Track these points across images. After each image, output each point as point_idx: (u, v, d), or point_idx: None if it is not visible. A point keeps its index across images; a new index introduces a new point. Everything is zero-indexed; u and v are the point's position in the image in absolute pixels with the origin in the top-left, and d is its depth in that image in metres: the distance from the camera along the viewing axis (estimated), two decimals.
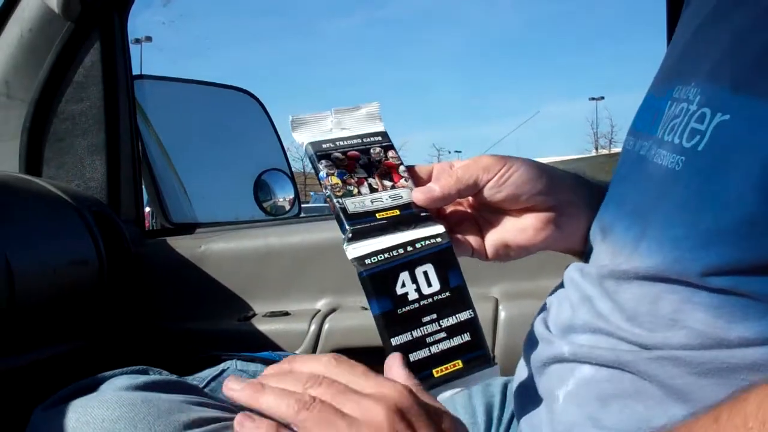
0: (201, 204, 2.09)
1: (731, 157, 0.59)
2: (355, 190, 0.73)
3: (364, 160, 0.76)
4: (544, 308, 0.82)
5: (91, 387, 0.72)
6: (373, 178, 0.75)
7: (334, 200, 0.72)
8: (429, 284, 0.70)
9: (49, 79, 1.53)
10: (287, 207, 2.26)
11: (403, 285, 0.69)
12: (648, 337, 0.63)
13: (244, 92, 2.35)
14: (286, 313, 1.51)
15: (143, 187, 1.73)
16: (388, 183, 0.75)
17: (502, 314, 1.37)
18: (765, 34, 0.60)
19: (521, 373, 0.81)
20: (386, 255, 0.69)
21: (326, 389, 0.58)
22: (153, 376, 0.76)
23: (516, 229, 0.77)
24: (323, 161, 0.74)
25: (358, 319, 1.46)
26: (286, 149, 2.43)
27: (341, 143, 0.76)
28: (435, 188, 0.74)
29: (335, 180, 0.74)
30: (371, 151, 0.77)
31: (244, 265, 1.56)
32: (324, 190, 0.74)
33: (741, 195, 0.57)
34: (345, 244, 0.70)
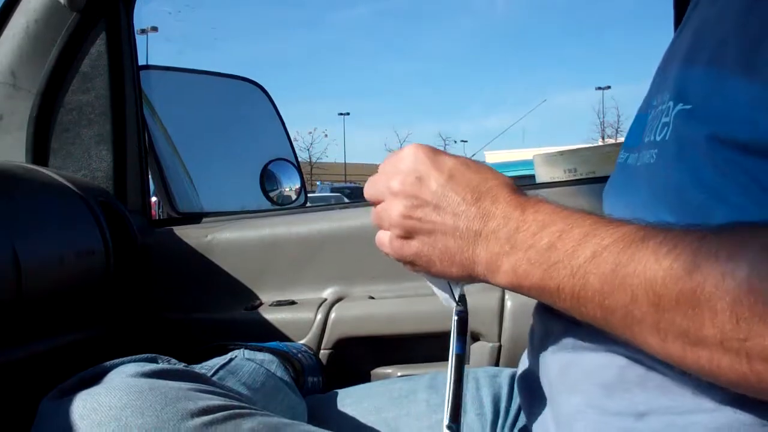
0: (207, 193, 2.10)
1: (694, 140, 0.62)
2: None
3: None
4: None
5: (99, 375, 0.73)
6: None
7: None
8: None
9: (55, 69, 1.53)
10: (293, 196, 2.26)
11: None
12: None
13: (250, 82, 2.35)
14: (293, 302, 1.51)
15: (149, 177, 1.73)
16: None
17: (508, 304, 1.37)
18: (721, 27, 0.64)
19: (526, 362, 0.81)
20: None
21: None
22: (161, 365, 0.76)
23: None
24: None
25: (365, 308, 1.46)
26: (292, 139, 2.43)
27: None
28: None
29: None
30: None
31: (250, 254, 1.56)
32: None
33: (709, 172, 0.60)
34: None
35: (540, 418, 0.76)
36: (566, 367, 0.71)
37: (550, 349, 0.74)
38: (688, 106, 0.64)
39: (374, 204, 0.74)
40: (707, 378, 0.54)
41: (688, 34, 0.72)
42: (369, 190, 0.74)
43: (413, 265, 0.72)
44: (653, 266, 0.53)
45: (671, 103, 0.66)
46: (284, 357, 1.23)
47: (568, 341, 0.71)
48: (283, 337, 1.45)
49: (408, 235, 0.69)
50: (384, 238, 0.72)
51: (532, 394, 0.78)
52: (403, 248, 0.70)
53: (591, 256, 0.57)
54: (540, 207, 0.64)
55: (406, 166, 0.70)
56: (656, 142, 0.68)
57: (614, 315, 0.56)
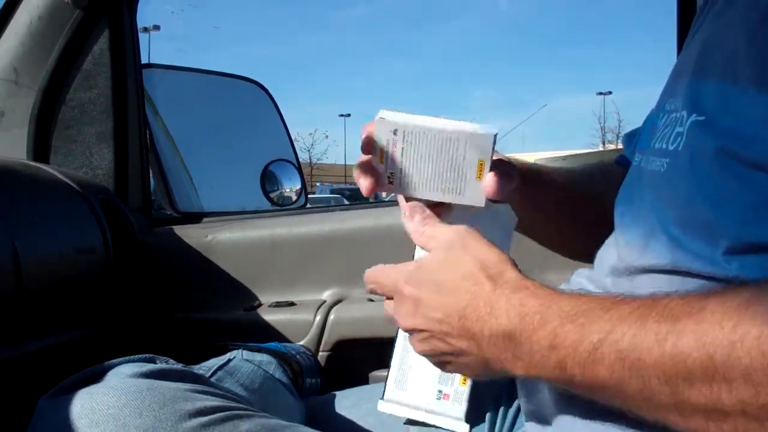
0: (208, 193, 2.09)
1: (704, 152, 0.62)
2: None
3: None
4: None
5: (98, 375, 0.73)
6: None
7: None
8: None
9: (57, 66, 1.53)
10: (294, 197, 2.26)
11: None
12: None
13: (252, 82, 2.35)
14: (292, 304, 1.51)
15: (150, 175, 1.73)
16: None
17: None
18: (732, 39, 0.64)
19: None
20: None
21: None
22: (159, 365, 0.76)
23: None
24: None
25: (364, 310, 1.46)
26: (293, 140, 2.42)
27: None
28: None
29: None
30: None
31: (250, 255, 1.56)
32: None
33: (717, 186, 0.60)
34: None
35: (540, 421, 0.76)
36: None
37: None
38: (702, 118, 0.64)
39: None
40: None
41: (699, 42, 0.72)
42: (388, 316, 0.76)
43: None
44: (656, 349, 0.53)
45: (685, 113, 0.66)
46: (283, 358, 1.23)
47: None
48: (282, 338, 1.45)
49: (437, 360, 0.72)
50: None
51: (532, 397, 0.78)
52: (439, 363, 0.73)
53: (593, 350, 0.57)
54: (524, 302, 0.63)
55: (404, 305, 0.71)
56: (668, 151, 0.68)
57: (632, 400, 0.57)
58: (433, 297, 0.68)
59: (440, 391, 0.83)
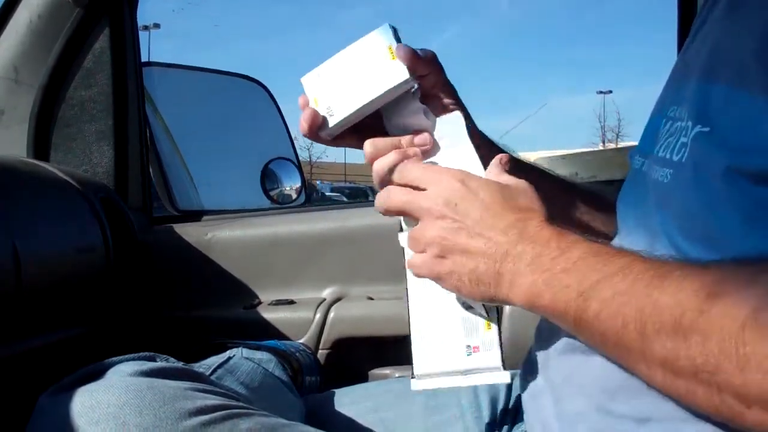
0: (208, 192, 2.09)
1: (708, 164, 0.62)
2: None
3: None
4: None
5: (98, 373, 0.73)
6: None
7: None
8: None
9: (58, 64, 1.53)
10: (294, 196, 2.26)
11: None
12: None
13: (252, 80, 2.35)
14: (292, 302, 1.51)
15: (150, 173, 1.73)
16: None
17: (507, 308, 1.37)
18: (741, 47, 0.63)
19: (529, 362, 0.82)
20: None
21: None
22: (159, 363, 0.76)
23: None
24: None
25: (363, 309, 1.46)
26: (293, 138, 2.42)
27: None
28: None
29: None
30: None
31: (250, 253, 1.57)
32: None
33: (720, 199, 0.61)
34: None
35: (542, 419, 0.76)
36: (573, 369, 0.72)
37: (558, 350, 0.75)
38: (707, 129, 0.63)
39: (388, 213, 0.77)
40: (689, 406, 0.57)
41: (704, 47, 0.70)
42: (396, 203, 0.76)
43: (444, 282, 0.74)
44: (643, 297, 0.57)
45: (690, 123, 0.66)
46: (282, 356, 1.23)
47: (577, 344, 0.71)
48: (282, 336, 1.45)
49: (442, 254, 0.72)
50: (417, 259, 0.75)
51: (534, 395, 0.79)
52: (437, 266, 0.73)
53: (596, 282, 0.61)
54: (565, 237, 0.67)
55: (447, 192, 0.73)
56: (672, 161, 0.68)
57: (608, 340, 0.61)
58: (483, 201, 0.71)
59: (468, 346, 0.78)
